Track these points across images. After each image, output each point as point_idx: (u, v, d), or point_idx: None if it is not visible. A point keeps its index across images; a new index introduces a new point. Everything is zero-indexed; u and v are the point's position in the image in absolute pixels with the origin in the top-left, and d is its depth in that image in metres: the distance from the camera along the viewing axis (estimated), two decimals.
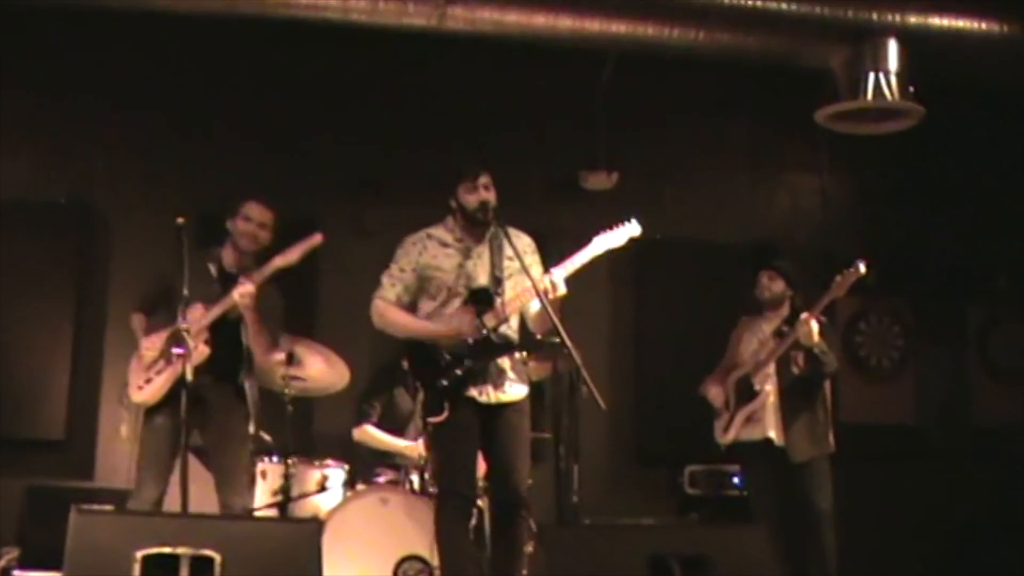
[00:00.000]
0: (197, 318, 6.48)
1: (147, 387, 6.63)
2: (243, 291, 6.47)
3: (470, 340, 6.12)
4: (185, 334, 6.21)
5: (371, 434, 8.11)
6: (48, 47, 9.01)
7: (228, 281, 6.64)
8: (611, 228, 6.33)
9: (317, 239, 6.66)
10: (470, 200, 6.23)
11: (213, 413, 6.62)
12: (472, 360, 6.13)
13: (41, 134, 9.09)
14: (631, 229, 6.34)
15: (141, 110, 9.12)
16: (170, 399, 6.53)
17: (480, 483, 6.79)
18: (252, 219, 6.74)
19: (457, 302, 6.23)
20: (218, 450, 6.68)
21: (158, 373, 6.62)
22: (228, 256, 6.79)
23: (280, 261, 6.57)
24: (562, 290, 6.07)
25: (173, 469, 6.54)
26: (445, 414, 6.11)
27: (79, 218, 9.08)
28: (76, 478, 8.68)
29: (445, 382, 6.13)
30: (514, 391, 6.24)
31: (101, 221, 9.11)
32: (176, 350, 6.29)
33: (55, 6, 8.48)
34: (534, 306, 6.20)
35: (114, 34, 8.94)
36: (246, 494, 6.82)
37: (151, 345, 6.66)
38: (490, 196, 6.23)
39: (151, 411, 6.64)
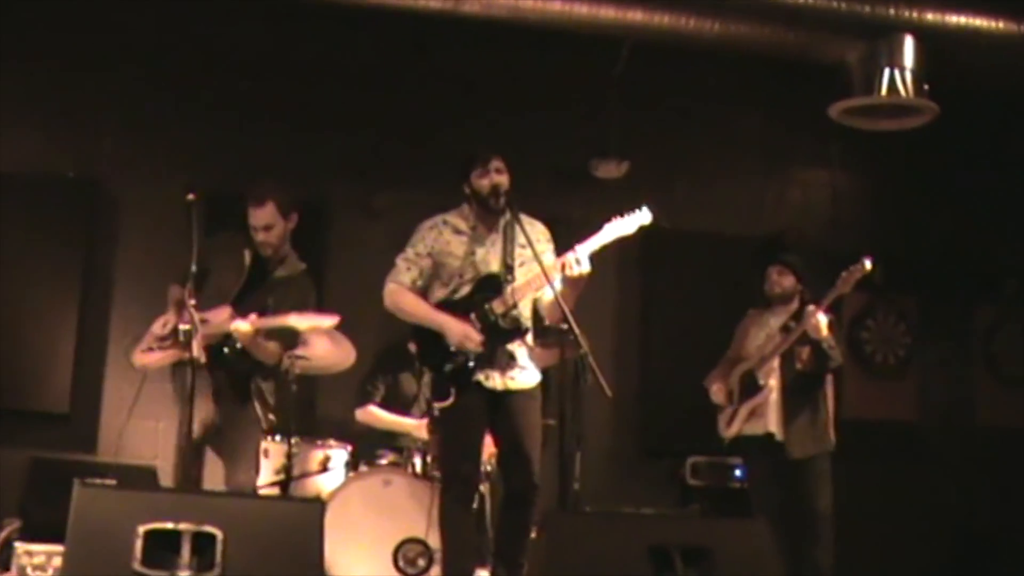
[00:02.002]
0: (221, 320, 6.49)
1: (149, 355, 6.70)
2: (240, 328, 6.44)
3: (474, 321, 6.13)
4: (192, 311, 6.20)
5: (375, 414, 8.12)
6: (57, 21, 8.98)
7: (263, 269, 6.67)
8: (622, 215, 6.32)
9: (333, 322, 6.68)
10: (482, 184, 6.22)
11: (229, 397, 6.65)
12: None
13: (50, 108, 9.07)
14: (642, 216, 6.33)
15: (150, 86, 9.10)
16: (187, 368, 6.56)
17: (484, 467, 6.82)
18: (255, 227, 6.73)
19: (467, 288, 6.23)
20: (230, 427, 6.70)
21: (162, 349, 6.67)
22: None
23: (292, 321, 6.55)
24: (587, 267, 6.06)
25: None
26: (452, 399, 6.12)
27: (87, 192, 9.06)
28: (80, 451, 8.68)
29: (452, 366, 6.14)
30: (523, 378, 6.25)
31: (109, 195, 9.09)
32: (182, 325, 6.30)
33: None
34: (548, 294, 6.19)
35: (125, 9, 8.94)
36: (252, 474, 6.83)
37: (168, 321, 6.69)
38: (502, 180, 6.22)
39: (178, 369, 6.66)
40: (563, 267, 6.08)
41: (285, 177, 8.90)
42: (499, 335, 6.16)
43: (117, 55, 9.10)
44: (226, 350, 6.50)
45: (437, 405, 6.20)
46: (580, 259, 6.05)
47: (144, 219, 8.94)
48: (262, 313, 6.52)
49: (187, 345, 6.31)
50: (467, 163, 6.30)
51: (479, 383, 6.14)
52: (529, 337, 6.33)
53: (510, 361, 6.22)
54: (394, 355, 8.27)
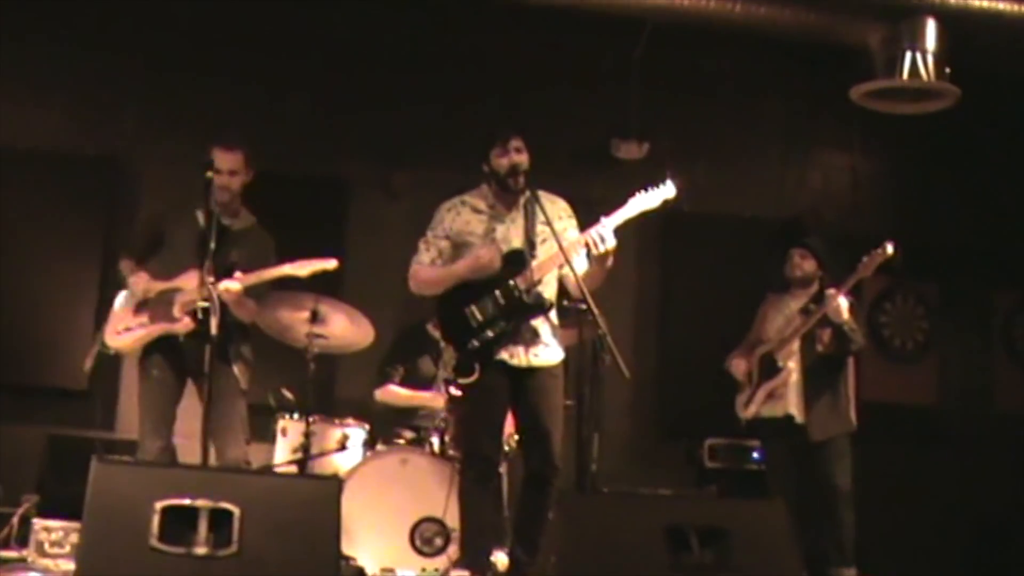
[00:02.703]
0: (191, 285, 6.44)
1: (125, 335, 6.65)
2: (229, 289, 6.38)
3: (498, 296, 6.11)
4: (211, 287, 6.18)
5: (394, 392, 8.13)
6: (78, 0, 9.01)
7: (220, 232, 6.49)
8: (646, 189, 6.30)
9: (332, 264, 6.62)
10: (502, 164, 6.20)
11: (200, 371, 6.49)
12: (504, 321, 6.12)
13: (72, 86, 9.10)
14: (667, 191, 6.31)
15: (171, 64, 9.11)
16: (165, 351, 6.58)
17: (504, 447, 6.81)
18: (221, 170, 6.65)
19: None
20: (211, 400, 6.53)
21: (141, 326, 6.62)
22: (216, 203, 6.68)
23: (288, 270, 6.54)
24: (612, 243, 6.05)
25: (175, 419, 6.58)
26: (476, 375, 6.10)
27: (108, 170, 9.10)
28: (97, 428, 8.71)
29: (476, 343, 6.11)
30: (547, 355, 6.22)
31: (130, 174, 9.12)
32: (203, 303, 6.27)
33: None
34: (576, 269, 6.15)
35: None
36: (243, 447, 6.71)
37: (139, 281, 6.65)
38: (522, 159, 6.20)
39: (146, 364, 6.65)
40: (587, 244, 6.07)
41: (306, 156, 9.02)
42: (523, 309, 6.14)
43: (137, 33, 9.11)
44: (204, 311, 6.26)
45: (461, 381, 6.15)
46: (604, 235, 6.04)
47: (164, 196, 8.90)
48: (229, 269, 6.45)
49: (191, 315, 6.32)
50: (486, 142, 6.28)
51: (503, 361, 6.12)
52: (553, 314, 6.31)
53: (534, 337, 6.19)
54: (412, 336, 8.29)
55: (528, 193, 6.25)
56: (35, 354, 8.81)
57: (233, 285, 6.38)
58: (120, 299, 6.80)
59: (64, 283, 8.92)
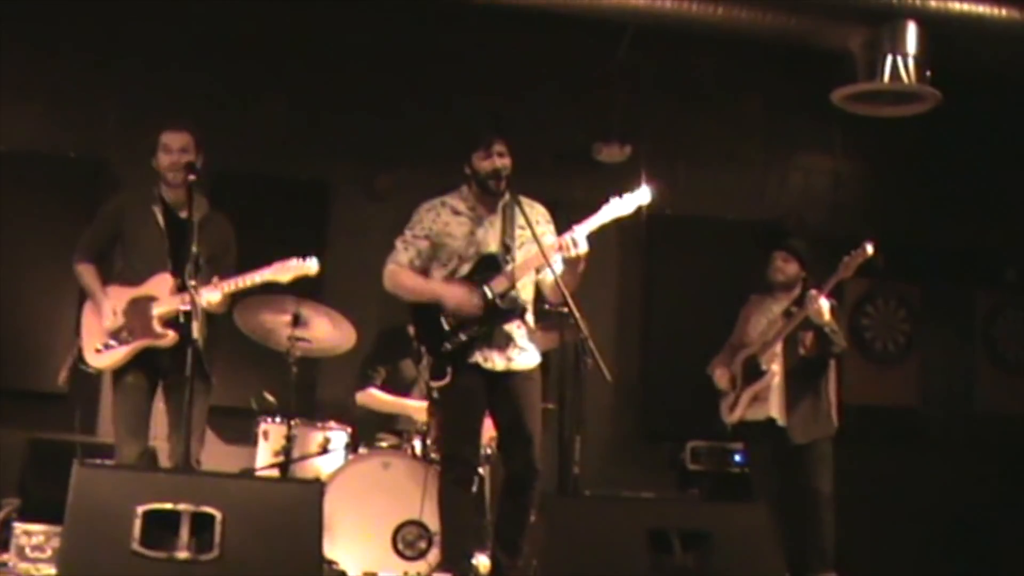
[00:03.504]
0: (165, 291, 6.40)
1: (106, 353, 6.55)
2: (211, 301, 6.34)
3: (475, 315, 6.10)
4: (192, 289, 6.13)
5: (375, 397, 8.11)
6: (62, 4, 8.98)
7: (178, 226, 6.49)
8: (621, 195, 6.30)
9: (313, 268, 6.59)
10: (484, 166, 6.21)
11: (174, 373, 6.45)
12: (476, 325, 6.13)
13: (53, 87, 9.07)
14: (641, 196, 6.31)
15: (153, 66, 9.10)
16: (139, 358, 6.51)
17: (484, 450, 6.81)
18: (171, 148, 6.61)
19: (466, 268, 6.22)
20: (174, 402, 6.57)
21: (123, 342, 6.53)
22: (169, 195, 6.64)
23: (269, 275, 6.50)
24: (584, 247, 6.05)
25: (150, 426, 6.54)
26: (448, 379, 6.11)
27: (89, 172, 9.05)
28: (79, 432, 8.66)
29: (449, 346, 6.13)
30: (523, 360, 6.24)
31: (111, 175, 9.08)
32: (183, 307, 6.23)
33: None
34: (550, 275, 6.16)
35: None
36: (199, 444, 6.59)
37: (115, 309, 6.55)
38: (504, 163, 6.20)
39: (119, 372, 6.59)
40: (560, 247, 6.07)
41: (288, 158, 9.00)
42: (497, 315, 6.15)
43: (120, 34, 9.09)
44: (186, 315, 6.23)
45: (434, 385, 6.18)
46: (577, 240, 6.04)
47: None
48: (196, 264, 6.23)
49: (173, 328, 6.27)
50: (469, 144, 6.28)
51: (477, 365, 6.14)
52: (529, 317, 6.32)
53: (508, 342, 6.21)
54: (394, 339, 8.26)
55: (508, 197, 6.25)
56: (15, 357, 8.75)
57: (214, 296, 6.34)
58: (89, 309, 6.71)
59: (45, 286, 8.86)
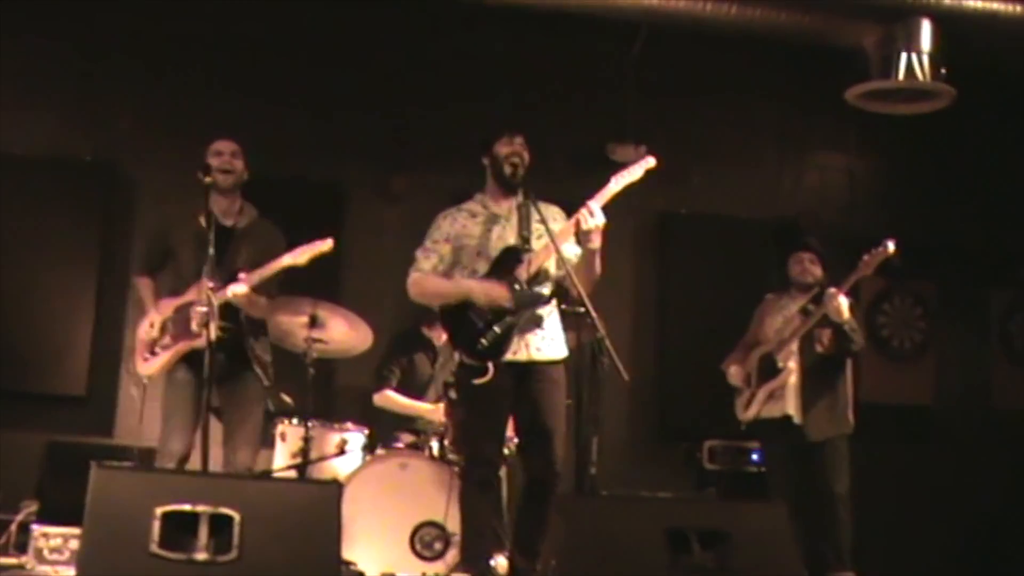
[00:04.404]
0: (203, 298, 6.42)
1: (152, 360, 6.61)
2: (237, 292, 6.39)
3: (506, 305, 6.08)
4: (209, 293, 6.17)
5: (392, 399, 8.13)
6: (75, 4, 9.01)
7: (225, 234, 6.54)
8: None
9: (328, 245, 6.59)
10: (504, 152, 6.21)
11: (226, 376, 6.55)
12: (510, 315, 6.07)
13: (68, 91, 9.10)
14: (647, 162, 6.29)
15: (168, 69, 9.12)
16: (190, 361, 6.52)
17: (505, 450, 6.79)
18: (222, 152, 6.66)
19: (485, 263, 6.19)
20: (230, 407, 6.65)
21: (164, 348, 6.58)
22: (216, 204, 6.65)
23: (288, 260, 6.51)
24: (601, 218, 6.02)
25: (199, 424, 6.55)
26: (491, 375, 6.03)
27: (104, 176, 9.09)
28: (96, 434, 8.71)
29: (485, 342, 6.06)
30: (550, 350, 6.19)
31: (126, 179, 9.12)
32: (201, 308, 6.25)
33: None
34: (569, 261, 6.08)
35: None
36: (251, 452, 6.68)
37: (153, 321, 6.62)
38: (524, 152, 6.22)
39: (173, 371, 6.62)
40: (577, 223, 6.04)
41: (303, 159, 9.01)
42: (527, 301, 6.10)
43: (135, 40, 9.10)
44: (224, 326, 6.35)
45: (477, 383, 6.03)
46: (593, 209, 6.01)
47: (162, 203, 8.92)
48: (239, 270, 6.44)
49: (203, 327, 6.28)
50: (491, 135, 6.29)
51: (508, 360, 6.07)
52: (553, 303, 6.29)
53: (538, 328, 6.17)
54: (409, 339, 8.30)
55: (522, 197, 6.24)
56: (33, 360, 8.79)
57: (239, 288, 6.38)
58: (144, 324, 6.73)
59: (62, 289, 8.91)
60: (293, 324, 7.46)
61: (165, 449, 6.54)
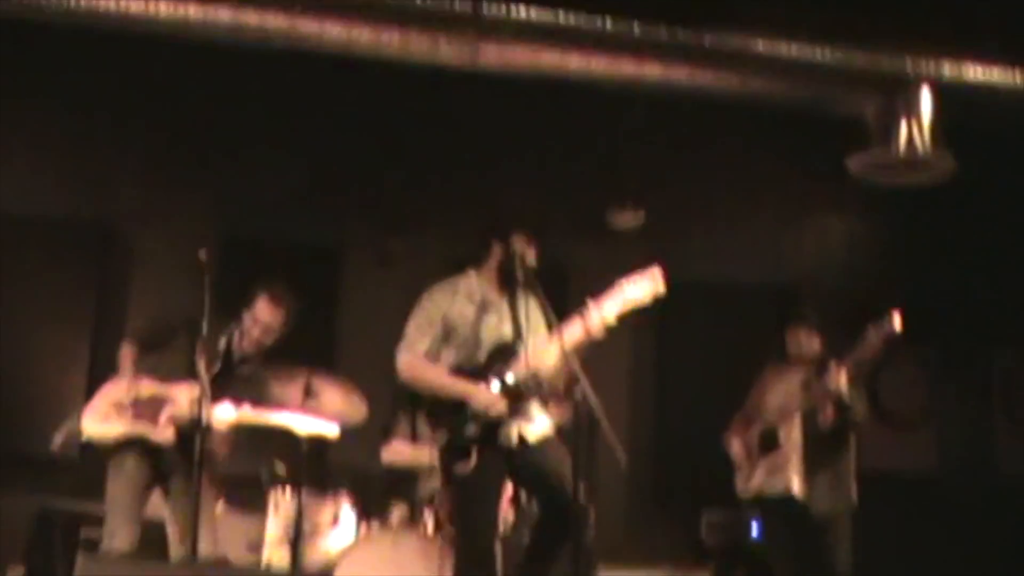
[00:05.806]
0: (185, 401, 6.34)
1: (103, 425, 6.54)
2: (222, 418, 6.39)
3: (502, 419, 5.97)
4: (202, 367, 6.11)
5: (400, 450, 7.93)
6: (72, 66, 8.99)
7: (230, 362, 6.56)
8: (636, 271, 6.17)
9: (334, 432, 6.82)
10: (522, 251, 6.05)
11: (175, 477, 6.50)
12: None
13: (64, 152, 9.14)
14: (656, 285, 6.16)
15: (165, 132, 9.13)
16: (141, 451, 6.49)
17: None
18: (259, 320, 6.63)
19: (481, 356, 6.05)
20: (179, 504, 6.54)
21: (120, 417, 6.50)
22: (240, 340, 6.66)
23: (287, 422, 6.64)
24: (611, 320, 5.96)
25: (143, 513, 6.46)
26: (473, 462, 5.90)
27: (99, 237, 9.13)
28: (89, 498, 8.60)
29: (473, 428, 5.95)
30: (536, 429, 6.09)
31: (121, 241, 9.13)
32: (178, 412, 6.20)
33: (79, 26, 8.45)
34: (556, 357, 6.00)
35: (140, 55, 8.89)
36: (213, 540, 6.62)
37: (129, 387, 6.53)
38: (535, 258, 6.10)
39: (119, 459, 6.55)
40: (587, 332, 5.94)
41: (299, 225, 8.97)
42: (520, 399, 6.01)
43: (131, 102, 9.12)
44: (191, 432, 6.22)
45: (457, 470, 5.91)
46: (609, 323, 5.94)
47: (157, 266, 8.93)
48: (237, 396, 6.41)
49: (188, 441, 6.19)
50: (508, 220, 6.15)
51: (496, 444, 5.97)
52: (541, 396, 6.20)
53: (524, 418, 6.07)
54: (410, 396, 8.19)
55: (518, 288, 6.15)
56: (25, 422, 8.72)
57: (227, 415, 6.32)
58: (110, 384, 6.66)
59: (55, 349, 8.91)
60: (287, 394, 7.35)
61: (111, 540, 6.43)
